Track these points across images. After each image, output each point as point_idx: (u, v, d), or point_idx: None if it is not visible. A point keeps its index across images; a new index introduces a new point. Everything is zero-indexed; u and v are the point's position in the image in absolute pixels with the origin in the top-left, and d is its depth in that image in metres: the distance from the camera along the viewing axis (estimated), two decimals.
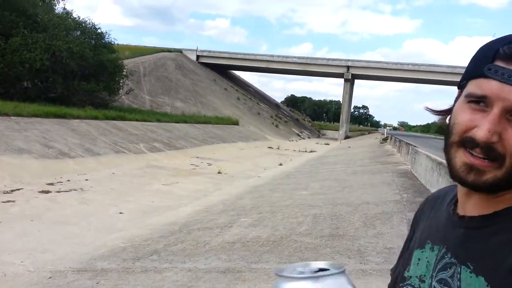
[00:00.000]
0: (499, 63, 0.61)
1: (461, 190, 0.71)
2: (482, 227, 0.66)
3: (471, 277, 0.63)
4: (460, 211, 0.71)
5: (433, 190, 6.60)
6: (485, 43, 0.68)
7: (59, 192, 9.17)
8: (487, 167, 0.62)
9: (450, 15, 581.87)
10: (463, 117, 0.64)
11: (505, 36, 0.64)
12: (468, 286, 0.63)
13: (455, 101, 0.69)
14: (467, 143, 0.63)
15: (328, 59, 52.69)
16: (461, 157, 0.64)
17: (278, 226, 6.23)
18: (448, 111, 0.71)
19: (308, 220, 6.43)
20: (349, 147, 30.10)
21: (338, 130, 54.87)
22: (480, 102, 0.62)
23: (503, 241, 0.62)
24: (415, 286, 0.74)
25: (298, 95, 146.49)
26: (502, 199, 0.65)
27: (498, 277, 0.60)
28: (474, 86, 0.63)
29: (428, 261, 0.73)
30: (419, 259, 0.76)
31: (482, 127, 0.60)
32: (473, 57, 0.67)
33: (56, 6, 26.48)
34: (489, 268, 0.61)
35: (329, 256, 4.60)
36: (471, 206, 0.69)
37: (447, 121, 0.70)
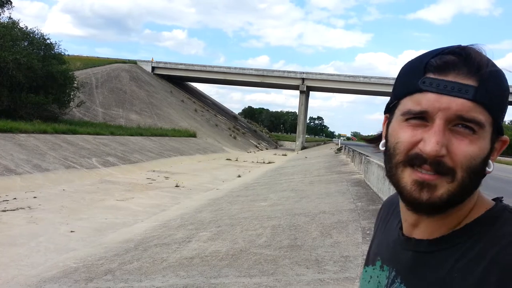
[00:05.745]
0: (431, 76, 0.60)
1: (405, 213, 0.68)
2: (430, 252, 0.64)
3: None
4: (405, 231, 0.69)
5: (384, 198, 6.83)
6: (406, 63, 0.66)
7: (4, 211, 8.64)
8: (439, 181, 0.59)
9: (398, 29, 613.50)
10: (405, 135, 0.61)
11: (429, 51, 0.64)
12: None
13: (386, 126, 0.67)
14: (415, 160, 0.59)
15: (284, 71, 53.66)
16: (410, 176, 0.60)
17: (237, 239, 6.21)
18: (378, 138, 0.70)
19: (267, 231, 6.46)
20: (306, 157, 30.62)
21: (295, 141, 55.81)
22: (419, 117, 0.61)
23: (452, 269, 0.60)
24: None
25: (256, 106, 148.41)
26: (447, 218, 0.63)
27: None
28: (411, 103, 0.61)
29: (379, 282, 0.72)
30: (370, 277, 0.75)
31: (429, 141, 0.58)
32: (400, 77, 0.66)
33: (1, 15, 25.25)
34: None
35: (288, 267, 4.64)
36: (420, 230, 0.66)
37: (380, 147, 0.67)
